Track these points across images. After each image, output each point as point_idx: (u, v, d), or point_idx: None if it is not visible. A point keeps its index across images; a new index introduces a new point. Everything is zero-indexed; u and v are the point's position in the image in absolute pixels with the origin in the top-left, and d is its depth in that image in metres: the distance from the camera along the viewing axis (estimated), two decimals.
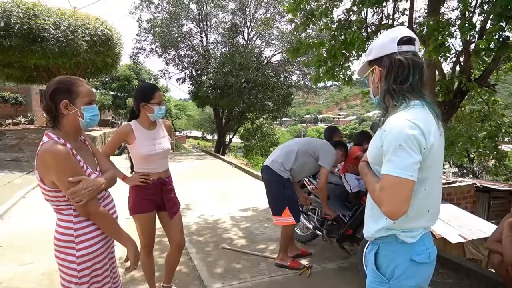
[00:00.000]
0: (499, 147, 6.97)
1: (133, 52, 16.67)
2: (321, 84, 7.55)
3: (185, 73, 17.12)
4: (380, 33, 5.46)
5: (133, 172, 2.58)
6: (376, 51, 1.39)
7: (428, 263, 1.36)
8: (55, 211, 1.62)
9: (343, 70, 5.75)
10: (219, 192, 7.36)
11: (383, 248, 1.41)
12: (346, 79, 5.84)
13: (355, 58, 5.73)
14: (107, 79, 26.13)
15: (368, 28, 5.65)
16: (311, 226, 3.96)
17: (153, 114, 2.46)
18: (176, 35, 15.99)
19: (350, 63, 5.81)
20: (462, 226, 6.21)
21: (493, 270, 3.19)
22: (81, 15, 11.51)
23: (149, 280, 2.79)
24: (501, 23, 3.50)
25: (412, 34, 1.36)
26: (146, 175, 2.49)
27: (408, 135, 1.20)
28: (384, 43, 1.37)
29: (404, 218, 1.29)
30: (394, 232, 1.36)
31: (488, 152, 7.16)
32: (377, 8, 5.64)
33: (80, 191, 1.50)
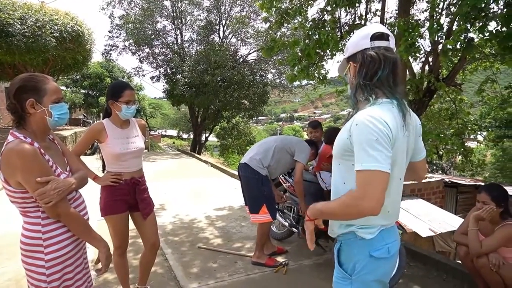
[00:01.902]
0: (465, 144, 7.28)
1: (105, 49, 16.21)
2: (296, 83, 7.65)
3: (159, 71, 16.85)
4: (353, 33, 5.56)
5: (105, 172, 2.52)
6: (351, 48, 1.42)
7: (387, 258, 1.38)
8: (22, 213, 1.55)
9: (317, 69, 5.82)
10: (195, 192, 7.29)
11: (344, 244, 1.44)
12: (321, 78, 5.92)
13: (329, 57, 5.82)
14: (78, 77, 25.19)
15: (342, 28, 5.75)
16: (287, 224, 3.99)
17: (120, 112, 2.40)
18: (150, 32, 15.70)
19: (324, 62, 5.90)
20: (432, 220, 6.45)
21: (460, 262, 3.33)
22: (49, 10, 11.06)
23: (123, 283, 2.72)
24: (466, 24, 3.64)
25: (385, 30, 1.38)
26: (118, 175, 2.43)
27: (381, 129, 1.21)
28: (358, 40, 1.40)
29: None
30: (352, 228, 1.37)
31: (455, 148, 7.46)
32: (351, 9, 5.75)
33: (49, 192, 1.45)
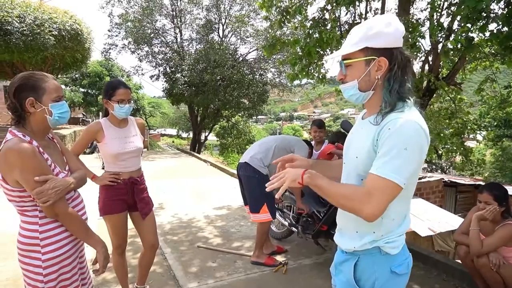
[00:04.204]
0: (465, 143, 7.28)
1: (105, 48, 16.15)
2: (296, 82, 7.63)
3: (159, 70, 16.81)
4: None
5: (103, 171, 2.50)
6: (388, 40, 1.19)
7: (407, 274, 1.31)
8: (19, 212, 1.53)
9: (317, 68, 5.81)
10: (194, 191, 7.28)
11: (363, 259, 1.30)
12: (321, 77, 5.91)
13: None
14: (77, 76, 25.17)
15: (342, 26, 5.74)
16: (286, 223, 3.99)
17: (113, 112, 2.38)
18: (149, 31, 15.67)
19: (324, 61, 5.88)
20: (431, 219, 6.45)
21: (459, 261, 3.32)
22: (48, 8, 11.02)
23: (122, 282, 2.72)
24: (468, 24, 3.63)
25: None
26: (116, 174, 2.41)
27: (416, 140, 1.12)
28: (398, 36, 1.20)
29: (389, 226, 1.23)
30: (379, 244, 1.26)
31: (455, 148, 7.45)
32: (351, 7, 5.73)
33: (47, 191, 1.43)
